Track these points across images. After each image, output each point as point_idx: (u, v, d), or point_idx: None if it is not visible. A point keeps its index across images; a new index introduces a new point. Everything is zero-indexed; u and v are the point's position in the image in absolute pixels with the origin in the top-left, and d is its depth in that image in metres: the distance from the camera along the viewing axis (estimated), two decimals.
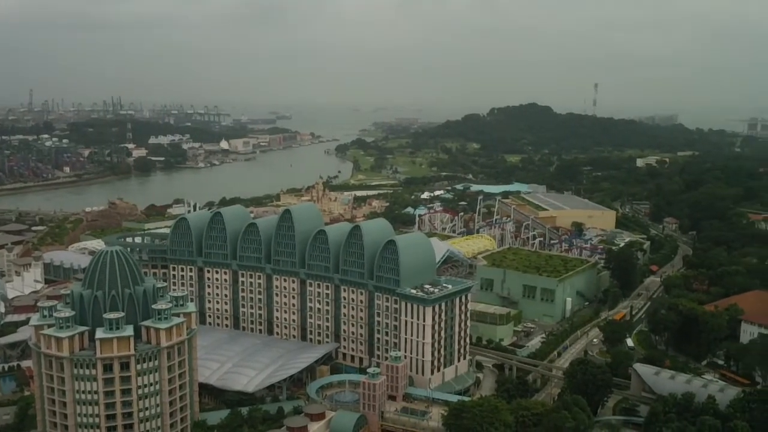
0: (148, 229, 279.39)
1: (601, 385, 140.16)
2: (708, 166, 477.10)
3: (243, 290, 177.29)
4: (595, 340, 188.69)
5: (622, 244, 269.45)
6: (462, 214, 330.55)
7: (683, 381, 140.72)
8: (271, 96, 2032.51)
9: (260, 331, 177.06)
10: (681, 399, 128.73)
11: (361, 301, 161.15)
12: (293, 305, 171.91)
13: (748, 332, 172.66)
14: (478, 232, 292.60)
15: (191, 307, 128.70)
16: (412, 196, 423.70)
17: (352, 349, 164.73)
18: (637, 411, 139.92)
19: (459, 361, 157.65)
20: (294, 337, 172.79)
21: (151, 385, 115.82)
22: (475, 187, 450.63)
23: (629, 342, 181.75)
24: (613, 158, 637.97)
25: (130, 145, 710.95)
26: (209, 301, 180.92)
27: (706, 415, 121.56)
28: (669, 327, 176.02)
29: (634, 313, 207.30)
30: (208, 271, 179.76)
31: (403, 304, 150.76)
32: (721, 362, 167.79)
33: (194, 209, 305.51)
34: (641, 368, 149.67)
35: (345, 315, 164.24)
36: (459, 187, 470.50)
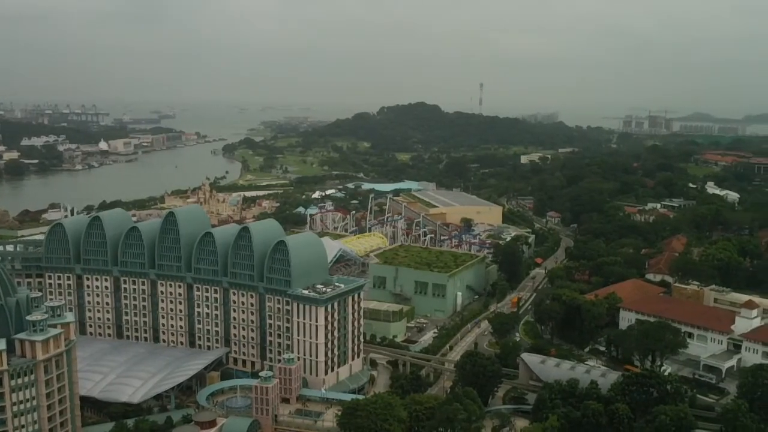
0: (22, 236, 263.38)
1: (491, 376, 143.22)
2: (587, 161, 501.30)
3: (126, 297, 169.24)
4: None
5: (508, 239, 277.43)
6: (354, 212, 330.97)
7: (568, 368, 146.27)
8: (154, 94, 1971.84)
9: (145, 339, 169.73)
10: (566, 385, 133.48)
11: (252, 304, 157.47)
12: (180, 311, 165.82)
13: (626, 319, 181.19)
14: (370, 230, 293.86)
15: (69, 317, 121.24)
16: (304, 196, 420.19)
17: (244, 354, 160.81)
18: (525, 399, 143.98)
19: (353, 359, 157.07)
20: (182, 344, 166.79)
21: (27, 401, 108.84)
22: (366, 186, 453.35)
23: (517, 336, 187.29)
24: (499, 155, 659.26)
25: (0, 147, 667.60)
26: (89, 310, 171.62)
27: (589, 400, 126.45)
28: (553, 317, 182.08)
29: (521, 304, 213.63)
30: (88, 279, 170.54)
31: (294, 305, 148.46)
32: (602, 348, 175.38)
33: (71, 214, 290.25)
34: (528, 357, 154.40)
35: (235, 319, 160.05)
36: (350, 185, 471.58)
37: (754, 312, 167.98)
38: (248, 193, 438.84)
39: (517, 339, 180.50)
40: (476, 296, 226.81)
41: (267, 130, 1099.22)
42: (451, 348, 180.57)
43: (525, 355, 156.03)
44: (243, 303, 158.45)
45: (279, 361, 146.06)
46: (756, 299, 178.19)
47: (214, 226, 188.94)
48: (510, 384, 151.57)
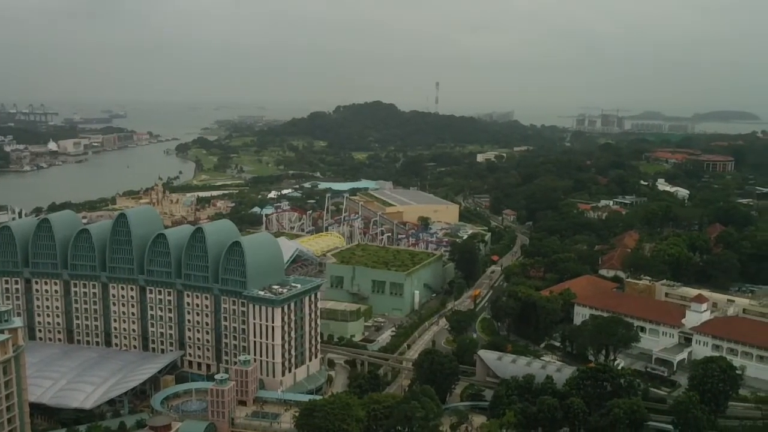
0: None
1: (448, 374, 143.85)
2: (541, 160, 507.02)
3: (77, 301, 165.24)
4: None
5: (465, 237, 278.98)
6: (310, 212, 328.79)
7: (524, 364, 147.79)
8: (105, 93, 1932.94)
9: (97, 343, 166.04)
10: (522, 381, 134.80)
11: (207, 306, 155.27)
12: (133, 314, 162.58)
13: (580, 314, 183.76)
14: (326, 229, 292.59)
15: (17, 322, 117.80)
16: (259, 196, 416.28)
17: (199, 356, 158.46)
18: (482, 396, 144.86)
19: (310, 360, 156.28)
20: (135, 347, 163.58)
21: None
22: (323, 185, 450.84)
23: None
24: (455, 154, 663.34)
25: None
26: (39, 315, 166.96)
27: (545, 395, 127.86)
28: (510, 313, 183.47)
29: (477, 301, 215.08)
30: (36, 283, 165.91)
31: (250, 306, 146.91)
32: (557, 344, 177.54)
33: (19, 216, 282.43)
34: (485, 354, 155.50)
35: (189, 321, 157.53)
36: (307, 185, 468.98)
37: (704, 306, 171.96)
38: (202, 194, 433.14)
39: (474, 336, 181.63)
40: (434, 294, 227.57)
41: (221, 129, 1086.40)
42: (408, 346, 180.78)
43: (482, 352, 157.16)
44: (197, 305, 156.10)
45: (235, 363, 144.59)
46: (705, 293, 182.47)
47: (167, 227, 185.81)
48: (467, 381, 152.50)
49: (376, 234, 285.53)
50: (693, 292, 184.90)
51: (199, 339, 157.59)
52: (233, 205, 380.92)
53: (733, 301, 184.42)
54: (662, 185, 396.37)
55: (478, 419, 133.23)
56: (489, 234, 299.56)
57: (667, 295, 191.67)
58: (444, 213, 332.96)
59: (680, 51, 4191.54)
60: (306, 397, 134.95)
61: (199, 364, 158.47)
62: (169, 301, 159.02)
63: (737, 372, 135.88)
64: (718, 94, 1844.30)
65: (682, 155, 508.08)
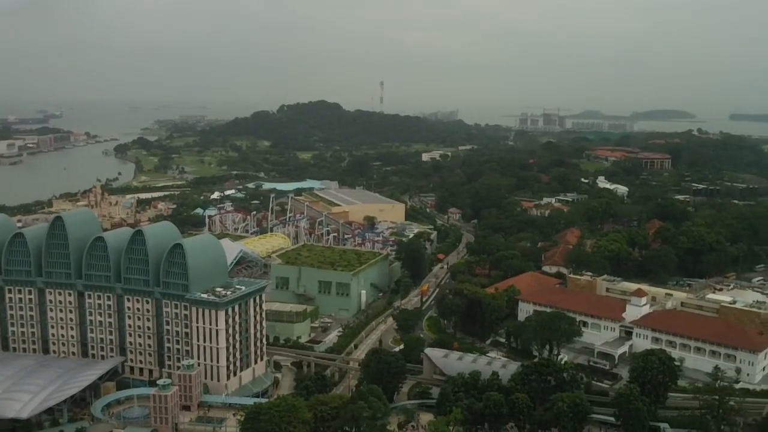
0: None
1: (395, 373, 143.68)
2: (486, 158, 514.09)
3: (11, 308, 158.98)
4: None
5: (411, 236, 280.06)
6: (255, 213, 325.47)
7: (470, 361, 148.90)
8: (40, 93, 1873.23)
9: (34, 350, 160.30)
10: (468, 378, 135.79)
11: (148, 310, 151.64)
12: (71, 320, 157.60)
13: (524, 310, 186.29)
14: (271, 230, 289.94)
15: None
16: (202, 197, 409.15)
17: (141, 362, 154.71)
18: (429, 393, 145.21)
19: (256, 363, 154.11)
20: (73, 354, 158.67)
21: None
22: (267, 185, 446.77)
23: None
24: (401, 153, 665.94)
25: None
26: None
27: (491, 391, 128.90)
28: (456, 311, 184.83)
29: (424, 300, 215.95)
30: None
31: (193, 309, 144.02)
32: (502, 340, 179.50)
33: None
34: (431, 352, 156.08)
35: (130, 326, 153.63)
36: (251, 185, 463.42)
37: (643, 300, 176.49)
38: (143, 195, 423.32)
39: (421, 335, 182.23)
40: (380, 294, 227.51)
41: (162, 129, 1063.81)
42: (356, 346, 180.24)
43: (428, 350, 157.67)
44: (138, 309, 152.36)
45: (178, 367, 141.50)
46: (644, 287, 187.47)
47: (106, 229, 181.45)
48: (414, 379, 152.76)
49: (322, 234, 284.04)
50: (633, 286, 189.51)
51: (140, 344, 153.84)
52: (175, 206, 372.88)
53: (671, 294, 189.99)
54: (602, 183, 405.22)
55: (426, 417, 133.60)
56: (435, 233, 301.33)
57: (607, 289, 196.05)
58: (390, 212, 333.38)
59: (618, 51, 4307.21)
60: (251, 401, 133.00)
61: (141, 370, 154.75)
62: (109, 305, 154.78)
63: (676, 363, 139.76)
64: (655, 93, 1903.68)
65: (622, 153, 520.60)
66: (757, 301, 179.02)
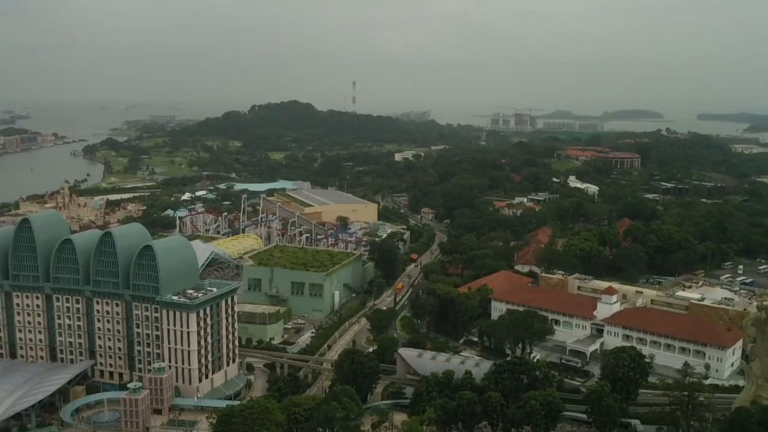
0: None
1: (368, 373, 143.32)
2: (458, 158, 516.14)
3: None
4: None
5: (384, 236, 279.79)
6: (226, 214, 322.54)
7: (443, 360, 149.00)
8: (7, 93, 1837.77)
9: (1, 355, 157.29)
10: (442, 377, 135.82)
11: (118, 313, 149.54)
12: (39, 324, 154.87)
13: (497, 309, 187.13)
14: (243, 231, 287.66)
15: None
16: (172, 198, 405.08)
17: (111, 365, 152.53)
18: (403, 393, 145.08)
19: (228, 365, 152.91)
20: (42, 358, 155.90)
21: None
22: (238, 186, 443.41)
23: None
24: (373, 153, 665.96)
25: None
26: None
27: (464, 390, 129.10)
28: (429, 311, 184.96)
29: (397, 300, 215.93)
30: None
31: (164, 312, 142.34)
32: (476, 339, 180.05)
33: None
34: (405, 352, 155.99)
35: (100, 329, 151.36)
36: (222, 186, 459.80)
37: (614, 297, 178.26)
38: (112, 197, 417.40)
39: (395, 335, 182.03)
40: (354, 294, 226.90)
41: (131, 129, 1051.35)
42: (329, 347, 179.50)
43: (402, 350, 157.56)
44: (108, 312, 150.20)
45: (149, 371, 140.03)
46: (615, 285, 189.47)
47: (74, 232, 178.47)
48: (388, 379, 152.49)
49: (295, 235, 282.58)
50: (604, 284, 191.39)
51: (110, 347, 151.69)
52: (145, 208, 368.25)
53: (642, 292, 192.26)
54: (573, 182, 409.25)
55: (399, 417, 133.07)
56: (408, 233, 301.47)
57: (579, 288, 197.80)
58: (363, 212, 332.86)
59: (589, 51, 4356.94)
60: (224, 403, 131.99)
61: (111, 374, 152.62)
62: (78, 309, 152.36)
63: (646, 360, 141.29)
64: (625, 94, 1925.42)
65: (592, 153, 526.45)
66: (726, 298, 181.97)
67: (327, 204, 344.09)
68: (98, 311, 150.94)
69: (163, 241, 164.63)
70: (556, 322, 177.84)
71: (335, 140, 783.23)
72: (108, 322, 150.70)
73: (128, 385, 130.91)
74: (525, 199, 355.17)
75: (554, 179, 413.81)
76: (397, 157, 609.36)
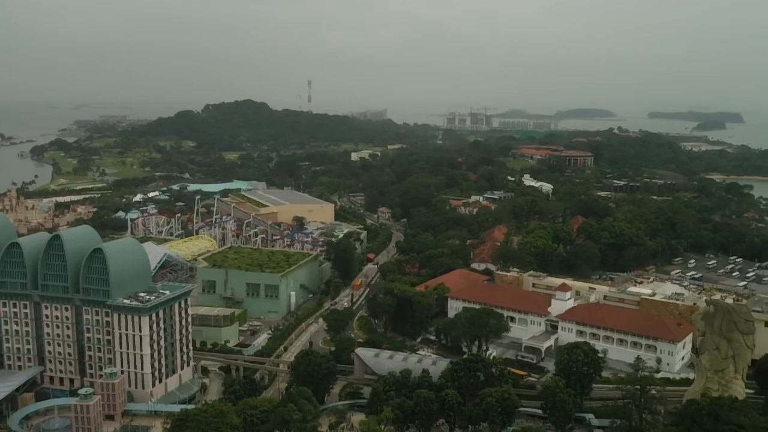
0: None
1: (325, 374, 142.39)
2: (415, 157, 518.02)
3: None
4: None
5: (341, 236, 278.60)
6: (179, 215, 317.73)
7: (401, 359, 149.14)
8: None
9: None
10: (399, 376, 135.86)
11: (67, 318, 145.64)
12: None
13: (454, 307, 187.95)
14: (197, 233, 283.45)
15: None
16: (124, 199, 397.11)
17: (61, 371, 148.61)
18: (361, 393, 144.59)
19: (182, 368, 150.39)
20: None
21: None
22: (192, 187, 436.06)
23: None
24: (330, 153, 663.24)
25: None
26: None
27: (421, 389, 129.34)
28: (386, 310, 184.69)
29: (354, 300, 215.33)
30: None
31: (115, 315, 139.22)
32: (433, 338, 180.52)
33: None
34: (362, 352, 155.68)
35: (49, 335, 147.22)
36: (175, 187, 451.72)
37: (568, 294, 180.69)
38: (61, 199, 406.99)
39: (352, 335, 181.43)
40: (310, 295, 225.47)
41: (81, 130, 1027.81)
42: (285, 349, 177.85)
43: (359, 350, 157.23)
44: (57, 317, 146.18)
45: (100, 376, 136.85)
46: (569, 282, 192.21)
47: (22, 235, 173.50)
48: (346, 380, 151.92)
49: (250, 236, 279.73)
50: (558, 281, 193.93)
51: (60, 353, 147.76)
52: (95, 209, 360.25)
53: (595, 288, 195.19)
54: (528, 180, 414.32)
55: (358, 417, 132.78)
56: (365, 232, 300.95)
57: (534, 285, 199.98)
58: (319, 212, 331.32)
59: (542, 52, 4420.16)
60: (178, 407, 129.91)
61: (62, 380, 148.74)
62: (26, 314, 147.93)
63: (599, 355, 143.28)
64: (578, 94, 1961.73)
65: (546, 151, 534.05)
66: (676, 293, 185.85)
67: (283, 204, 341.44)
68: (47, 316, 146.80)
69: (113, 243, 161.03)
70: (512, 319, 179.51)
71: (291, 140, 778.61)
72: (57, 327, 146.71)
73: (79, 391, 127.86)
74: (481, 198, 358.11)
75: (509, 178, 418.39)
76: (354, 156, 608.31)
